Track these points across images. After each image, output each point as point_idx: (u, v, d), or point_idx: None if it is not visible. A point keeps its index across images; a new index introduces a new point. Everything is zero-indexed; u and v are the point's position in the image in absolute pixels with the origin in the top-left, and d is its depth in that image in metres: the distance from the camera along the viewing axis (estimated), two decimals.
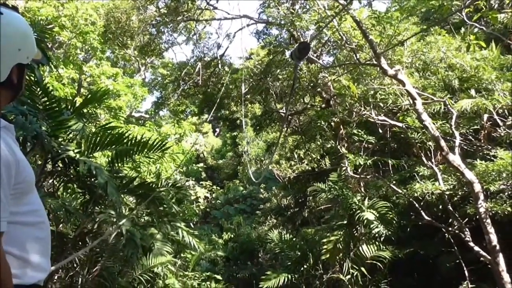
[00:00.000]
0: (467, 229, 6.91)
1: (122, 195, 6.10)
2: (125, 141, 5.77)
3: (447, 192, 7.27)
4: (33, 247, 1.36)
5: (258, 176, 20.31)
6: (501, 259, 5.88)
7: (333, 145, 11.86)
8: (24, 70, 1.42)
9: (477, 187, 6.10)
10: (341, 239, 8.46)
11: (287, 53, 12.18)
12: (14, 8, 1.38)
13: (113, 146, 5.72)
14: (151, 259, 7.30)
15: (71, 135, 5.71)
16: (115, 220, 5.73)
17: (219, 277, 12.35)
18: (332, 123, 11.08)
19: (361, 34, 7.58)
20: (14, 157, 1.26)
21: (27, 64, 1.41)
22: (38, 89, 5.10)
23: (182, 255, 9.94)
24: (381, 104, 8.65)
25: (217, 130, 30.29)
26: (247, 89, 12.85)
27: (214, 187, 23.17)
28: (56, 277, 5.91)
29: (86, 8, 12.42)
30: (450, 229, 7.49)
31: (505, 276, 5.84)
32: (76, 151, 5.24)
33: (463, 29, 7.90)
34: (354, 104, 9.19)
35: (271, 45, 13.31)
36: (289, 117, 13.70)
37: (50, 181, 6.04)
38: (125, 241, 5.60)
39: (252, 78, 13.24)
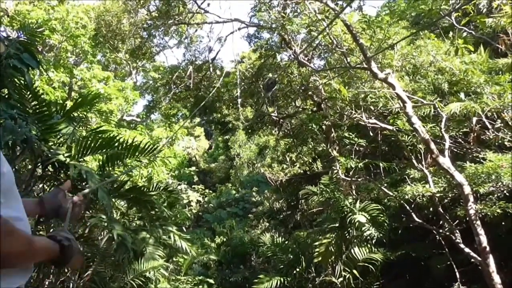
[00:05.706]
0: (457, 231, 6.97)
1: (113, 199, 6.06)
2: (116, 144, 5.73)
3: (438, 195, 7.33)
4: None
5: (251, 179, 20.35)
6: (491, 260, 5.93)
7: (325, 148, 11.92)
8: None
9: (467, 189, 6.15)
10: (333, 242, 8.47)
11: (278, 58, 12.27)
12: None
13: (104, 150, 5.68)
14: (143, 263, 7.23)
15: (61, 139, 5.64)
16: (106, 224, 5.68)
17: (211, 281, 12.31)
18: (324, 126, 11.14)
19: (351, 38, 7.63)
20: None
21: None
22: (28, 93, 5.04)
23: (174, 259, 9.88)
24: (372, 107, 8.72)
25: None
26: (238, 93, 12.87)
27: (207, 190, 23.11)
28: (47, 283, 5.84)
29: (77, 12, 12.39)
30: (441, 231, 7.55)
31: (496, 277, 5.89)
32: (66, 155, 5.18)
33: (452, 33, 8.02)
34: (345, 107, 9.24)
35: (262, 48, 13.35)
36: (281, 120, 13.74)
37: (40, 185, 5.97)
38: (117, 245, 5.56)
39: (244, 82, 13.25)
